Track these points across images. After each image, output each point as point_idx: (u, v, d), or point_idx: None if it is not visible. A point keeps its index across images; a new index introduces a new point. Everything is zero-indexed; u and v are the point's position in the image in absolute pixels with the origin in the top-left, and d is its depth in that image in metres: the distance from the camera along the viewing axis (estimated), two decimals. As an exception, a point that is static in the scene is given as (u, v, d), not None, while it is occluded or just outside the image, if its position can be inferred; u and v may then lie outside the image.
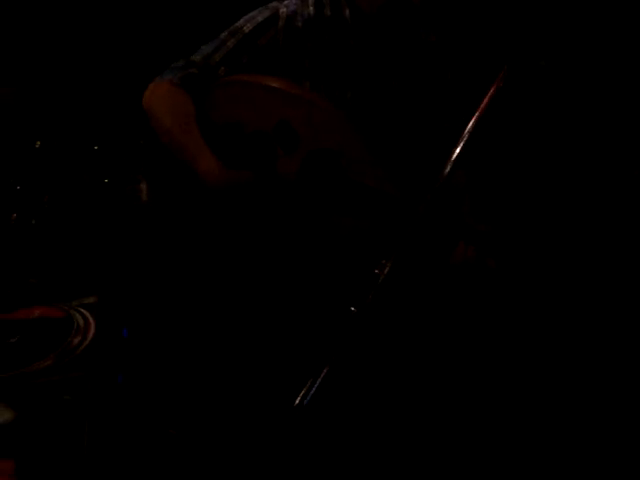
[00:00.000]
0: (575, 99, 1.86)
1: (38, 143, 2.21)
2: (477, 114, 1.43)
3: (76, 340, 1.82)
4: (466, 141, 1.41)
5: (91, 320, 1.87)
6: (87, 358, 1.79)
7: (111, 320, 1.86)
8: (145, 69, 2.00)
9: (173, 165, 1.86)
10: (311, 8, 1.86)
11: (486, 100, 1.43)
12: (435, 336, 1.76)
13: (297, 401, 1.24)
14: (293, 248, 1.78)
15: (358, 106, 1.83)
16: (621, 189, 1.83)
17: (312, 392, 1.26)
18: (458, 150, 1.40)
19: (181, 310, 1.88)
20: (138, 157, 2.19)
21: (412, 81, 1.84)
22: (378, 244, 1.51)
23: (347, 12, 1.85)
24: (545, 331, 1.80)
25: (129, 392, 1.74)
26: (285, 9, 1.86)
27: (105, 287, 1.96)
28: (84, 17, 2.39)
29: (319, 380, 1.26)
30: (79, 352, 1.79)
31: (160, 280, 1.95)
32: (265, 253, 1.79)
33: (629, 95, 1.81)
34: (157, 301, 1.92)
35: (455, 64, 1.86)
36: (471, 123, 1.42)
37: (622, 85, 1.81)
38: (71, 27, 2.36)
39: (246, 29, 1.86)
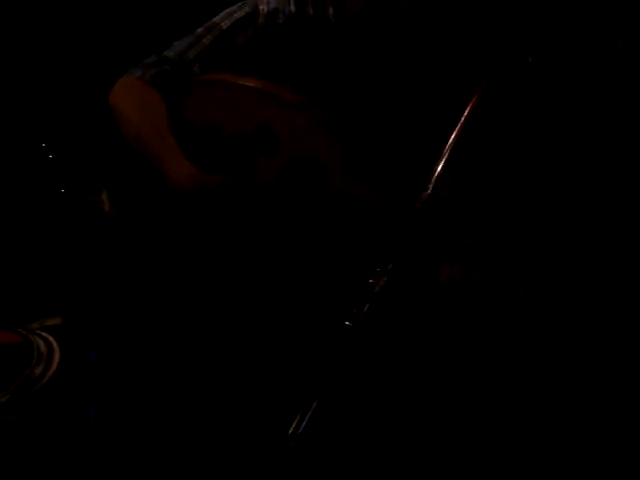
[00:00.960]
0: (564, 98, 1.79)
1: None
2: (464, 116, 1.41)
3: (38, 370, 1.64)
4: (454, 144, 1.38)
5: (55, 345, 1.66)
6: (52, 391, 1.58)
7: (80, 345, 1.67)
8: (109, 67, 1.92)
9: (138, 172, 1.72)
10: (292, 6, 1.80)
11: (473, 102, 1.41)
12: (429, 349, 1.72)
13: (291, 429, 1.18)
14: (274, 258, 1.71)
15: (341, 109, 1.77)
16: (615, 196, 1.77)
17: (306, 419, 1.20)
18: (446, 155, 1.37)
19: (157, 327, 1.71)
20: (98, 165, 2.03)
21: (397, 85, 1.79)
22: (366, 254, 1.49)
23: (331, 11, 1.79)
24: (538, 337, 1.75)
25: (103, 430, 1.55)
26: (265, 6, 1.80)
27: (70, 306, 1.77)
28: (37, 18, 2.22)
29: (313, 408, 1.20)
30: (42, 385, 1.57)
31: (132, 295, 1.78)
32: (244, 264, 1.72)
33: (619, 93, 1.74)
34: (130, 319, 1.75)
35: (440, 66, 1.81)
36: (459, 125, 1.39)
37: (613, 82, 1.74)
38: (20, 28, 2.18)
39: (224, 25, 1.80)
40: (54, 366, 1.57)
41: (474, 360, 1.71)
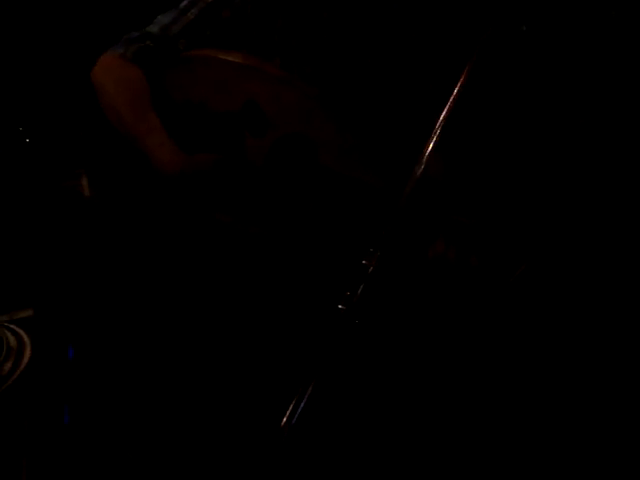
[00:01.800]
0: (558, 69, 1.70)
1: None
2: (456, 90, 1.33)
3: (7, 366, 1.50)
4: (446, 119, 1.31)
5: (26, 339, 1.55)
6: (22, 389, 1.47)
7: (53, 338, 1.55)
8: (88, 46, 1.81)
9: (120, 155, 1.62)
10: None
11: (465, 74, 1.34)
12: (426, 336, 1.66)
13: (284, 420, 1.12)
14: (264, 241, 1.62)
15: (332, 85, 1.67)
16: (609, 174, 1.68)
17: (299, 410, 1.13)
18: (437, 131, 1.31)
19: (139, 317, 1.61)
20: (78, 148, 1.93)
21: (388, 57, 1.70)
22: (359, 234, 1.43)
23: None
24: (538, 329, 1.68)
25: (77, 432, 1.44)
26: None
27: (43, 297, 1.65)
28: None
29: (306, 397, 1.13)
30: (10, 382, 1.46)
31: (110, 285, 1.68)
32: (232, 249, 1.63)
33: (615, 68, 1.65)
34: (110, 310, 1.64)
35: (431, 37, 1.73)
36: (451, 99, 1.32)
37: (607, 52, 1.65)
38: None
39: None
40: (25, 362, 1.45)
41: (473, 349, 1.64)
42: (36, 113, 2.04)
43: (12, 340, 1.50)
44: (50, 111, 2.06)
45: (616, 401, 1.65)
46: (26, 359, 1.45)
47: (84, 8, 2.11)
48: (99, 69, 1.67)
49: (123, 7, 2.03)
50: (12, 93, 2.05)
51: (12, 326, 1.54)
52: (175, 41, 1.65)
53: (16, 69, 2.08)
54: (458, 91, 1.30)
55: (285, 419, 1.12)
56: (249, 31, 1.66)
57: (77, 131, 1.98)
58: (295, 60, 1.66)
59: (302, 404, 1.13)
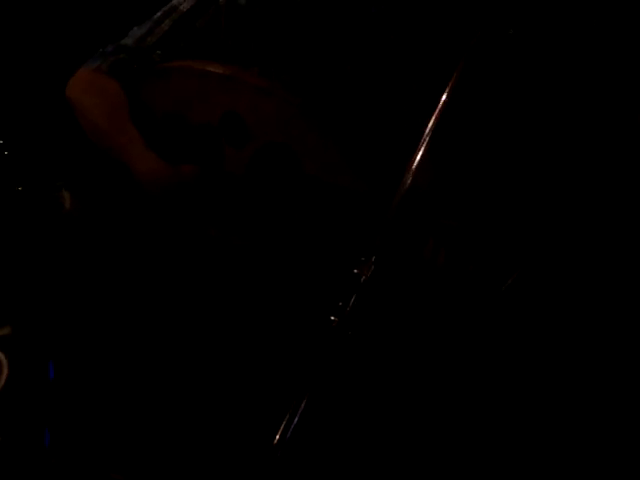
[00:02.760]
0: (546, 72, 1.68)
1: None
2: (445, 94, 1.27)
3: None
4: (435, 126, 1.25)
5: (3, 360, 1.46)
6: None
7: (33, 357, 1.46)
8: (66, 58, 1.79)
9: (101, 166, 1.57)
10: None
11: (453, 80, 1.28)
12: (420, 347, 1.61)
13: (277, 438, 1.06)
14: (252, 253, 1.56)
15: (313, 92, 1.62)
16: (598, 173, 1.66)
17: (292, 426, 1.07)
18: (426, 139, 1.25)
19: (120, 334, 1.54)
20: (58, 160, 1.86)
21: (366, 63, 1.65)
22: (348, 243, 1.39)
23: None
24: (533, 327, 1.64)
25: (58, 454, 1.36)
26: None
27: (22, 315, 1.56)
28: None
29: (299, 412, 1.07)
30: None
31: (91, 302, 1.61)
32: (218, 262, 1.57)
33: (604, 69, 1.63)
34: (89, 329, 1.57)
35: (412, 43, 1.69)
36: (439, 105, 1.27)
37: (597, 57, 1.63)
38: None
39: (183, 8, 1.65)
40: (1, 383, 1.38)
41: (468, 354, 1.60)
42: (15, 125, 1.98)
43: None
44: (29, 123, 2.02)
45: (611, 404, 1.62)
46: (3, 380, 1.37)
47: (60, 23, 2.07)
48: (75, 83, 1.63)
49: (99, 21, 1.99)
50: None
51: None
52: (150, 53, 1.61)
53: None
54: (447, 96, 1.26)
55: (278, 436, 1.07)
56: (225, 40, 1.62)
57: (57, 143, 1.93)
58: (274, 68, 1.61)
59: (295, 420, 1.09)
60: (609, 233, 1.59)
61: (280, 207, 1.54)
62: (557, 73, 1.73)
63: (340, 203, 1.51)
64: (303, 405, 1.08)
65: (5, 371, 1.39)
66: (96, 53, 1.64)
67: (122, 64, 1.60)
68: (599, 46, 1.70)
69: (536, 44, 1.71)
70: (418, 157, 1.22)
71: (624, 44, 1.66)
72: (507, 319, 1.59)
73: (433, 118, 1.23)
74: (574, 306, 1.61)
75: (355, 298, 1.11)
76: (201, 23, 1.62)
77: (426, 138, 1.23)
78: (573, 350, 1.64)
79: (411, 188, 1.20)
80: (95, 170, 1.71)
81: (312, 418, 1.07)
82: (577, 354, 1.64)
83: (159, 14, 1.64)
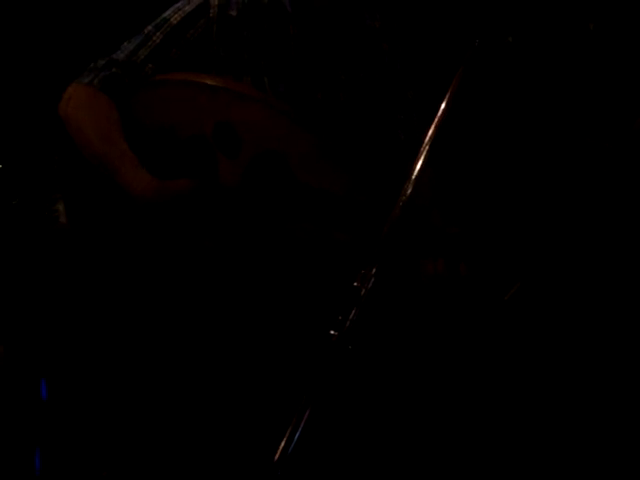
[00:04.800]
0: (546, 81, 1.64)
1: None
2: (445, 102, 1.22)
3: None
4: (435, 134, 1.20)
5: None
6: None
7: (25, 376, 1.39)
8: (61, 72, 1.70)
9: (96, 180, 1.51)
10: None
11: (452, 89, 1.23)
12: (421, 359, 1.51)
13: (277, 456, 1.01)
14: (246, 265, 1.50)
15: (306, 101, 1.57)
16: (594, 180, 1.63)
17: (294, 441, 1.02)
18: (425, 149, 1.20)
19: (115, 350, 1.48)
20: (53, 174, 1.80)
21: (360, 72, 1.60)
22: (348, 253, 1.34)
23: None
24: (533, 335, 1.57)
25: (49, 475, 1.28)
26: None
27: (16, 333, 1.49)
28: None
29: (301, 427, 1.02)
30: None
31: (87, 319, 1.54)
32: (213, 273, 1.51)
33: (602, 75, 1.59)
34: (83, 347, 1.50)
35: (406, 52, 1.63)
36: (440, 112, 1.22)
37: (595, 64, 1.59)
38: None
39: (174, 20, 1.59)
40: None
41: (468, 362, 1.55)
42: (11, 139, 1.92)
43: None
44: (25, 136, 1.95)
45: (611, 404, 1.59)
46: None
47: (53, 38, 2.01)
48: (67, 99, 1.57)
49: (91, 35, 1.94)
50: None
51: None
52: (142, 66, 1.55)
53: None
54: (447, 104, 1.20)
55: (279, 451, 1.00)
56: (216, 51, 1.57)
57: (53, 156, 1.87)
58: (265, 77, 1.56)
59: (297, 434, 1.03)
60: (610, 241, 1.56)
61: (276, 216, 1.48)
62: (555, 80, 1.70)
63: (335, 211, 1.46)
64: (305, 419, 1.03)
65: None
66: (88, 68, 1.59)
67: (114, 79, 1.55)
68: (596, 53, 1.67)
69: (535, 51, 1.68)
70: (418, 166, 1.16)
71: (622, 49, 1.63)
72: (509, 327, 1.55)
73: (434, 124, 1.18)
74: (575, 313, 1.58)
75: (355, 312, 1.06)
76: (192, 35, 1.57)
77: (426, 146, 1.16)
78: (574, 355, 1.61)
79: (411, 198, 1.14)
80: (91, 183, 1.64)
81: (313, 431, 1.03)
82: (577, 359, 1.61)
83: (150, 27, 1.58)
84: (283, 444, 0.99)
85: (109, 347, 1.54)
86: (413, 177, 1.16)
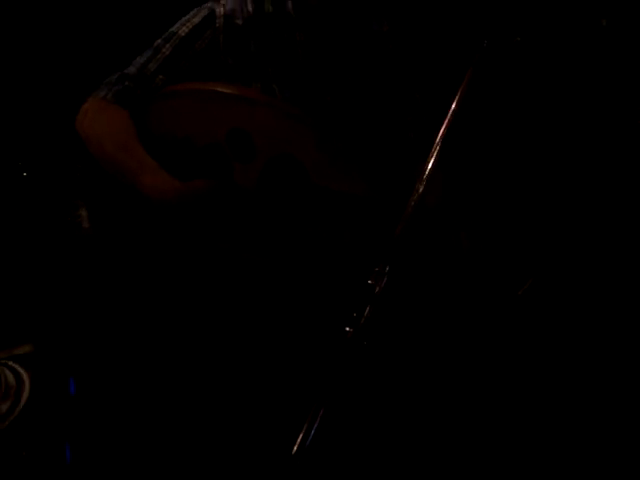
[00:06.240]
0: (555, 80, 1.62)
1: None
2: (455, 102, 1.21)
3: (5, 406, 1.33)
4: (445, 134, 1.19)
5: (25, 377, 1.39)
6: (21, 429, 1.31)
7: (53, 375, 1.39)
8: (78, 84, 1.71)
9: (117, 186, 1.51)
10: (250, 6, 1.59)
11: (461, 89, 1.22)
12: (435, 355, 1.52)
13: (295, 449, 1.01)
14: (264, 265, 1.48)
15: (315, 105, 1.55)
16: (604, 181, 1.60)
17: (310, 437, 1.02)
18: (436, 149, 1.19)
19: (140, 353, 1.48)
20: (76, 180, 1.81)
21: (368, 75, 1.58)
22: (362, 252, 1.33)
23: (290, 5, 1.58)
24: (541, 334, 1.55)
25: (79, 472, 1.29)
26: (222, 8, 1.60)
27: (43, 332, 1.50)
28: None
29: (317, 422, 1.02)
30: (9, 422, 1.30)
31: (112, 319, 1.55)
32: (233, 274, 1.50)
33: (610, 76, 1.57)
34: (110, 346, 1.50)
35: (413, 54, 1.61)
36: (450, 112, 1.21)
37: (607, 61, 1.57)
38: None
39: (182, 33, 1.59)
40: (23, 400, 1.30)
41: (482, 361, 1.53)
42: (35, 148, 1.94)
43: (10, 378, 1.32)
44: (49, 146, 1.97)
45: (611, 405, 1.56)
46: (25, 397, 1.28)
47: (71, 58, 2.04)
48: (83, 114, 1.58)
49: (105, 54, 1.93)
50: (9, 127, 1.96)
51: (10, 363, 1.37)
52: (153, 78, 1.56)
53: (13, 102, 1.99)
54: (457, 104, 1.19)
55: (296, 446, 1.00)
56: (224, 60, 1.57)
57: (75, 162, 1.88)
58: (275, 83, 1.56)
59: (313, 430, 1.03)
60: (616, 240, 1.54)
61: (292, 218, 1.47)
62: (564, 79, 1.67)
63: (350, 212, 1.45)
64: (320, 415, 1.03)
65: (27, 388, 1.32)
66: (102, 83, 1.60)
67: (127, 91, 1.56)
68: (609, 49, 1.65)
69: (543, 50, 1.66)
70: (429, 165, 1.14)
71: (627, 49, 1.61)
72: (522, 323, 1.53)
73: (444, 125, 1.16)
74: (583, 310, 1.56)
75: (369, 309, 1.06)
76: (201, 45, 1.57)
77: (437, 146, 1.15)
78: (579, 353, 1.59)
79: (423, 197, 1.13)
80: (112, 190, 1.65)
81: (329, 427, 1.02)
82: (583, 357, 1.59)
83: (159, 41, 1.59)
84: (301, 437, 0.99)
85: (132, 346, 1.55)
86: (424, 176, 1.15)
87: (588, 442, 1.55)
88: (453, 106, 1.22)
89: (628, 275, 1.55)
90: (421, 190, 1.15)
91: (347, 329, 1.04)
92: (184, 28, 1.59)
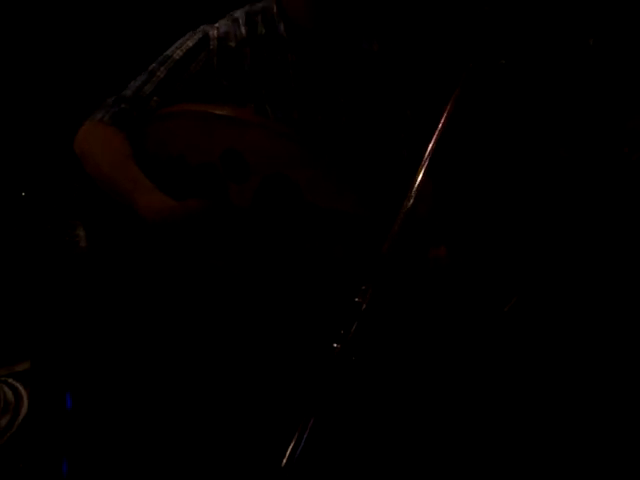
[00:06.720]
0: (539, 100, 1.65)
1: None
2: (441, 121, 1.24)
3: (4, 421, 1.36)
4: (433, 151, 1.22)
5: (23, 393, 1.42)
6: (19, 444, 1.33)
7: (50, 391, 1.42)
8: (76, 106, 1.75)
9: (113, 206, 1.54)
10: (243, 28, 1.63)
11: (449, 108, 1.25)
12: (423, 368, 1.52)
13: (284, 461, 1.02)
14: (257, 282, 1.51)
15: (307, 124, 1.58)
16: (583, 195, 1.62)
17: (298, 451, 1.03)
18: (425, 165, 1.22)
19: (135, 369, 1.50)
20: (73, 200, 1.84)
21: (360, 94, 1.60)
22: (351, 270, 1.33)
23: (282, 27, 1.61)
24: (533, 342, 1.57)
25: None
26: (215, 31, 1.62)
27: (40, 349, 1.52)
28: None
29: (305, 437, 1.04)
30: (8, 436, 1.33)
31: (108, 337, 1.57)
32: (223, 290, 1.52)
33: (594, 93, 1.60)
34: (106, 363, 1.53)
35: (403, 72, 1.64)
36: (436, 133, 1.23)
37: (587, 82, 1.60)
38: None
39: (176, 56, 1.62)
40: (22, 415, 1.32)
41: (468, 372, 1.55)
42: (34, 169, 1.96)
43: (9, 395, 1.34)
44: (47, 166, 2.00)
45: (616, 402, 1.58)
46: (23, 412, 1.31)
47: (70, 82, 2.07)
48: (81, 137, 1.60)
49: (103, 78, 1.96)
50: (7, 147, 1.99)
51: (10, 380, 1.40)
52: (148, 100, 1.58)
53: (12, 123, 2.02)
54: (444, 122, 1.20)
55: (285, 460, 1.00)
56: (218, 82, 1.59)
57: (72, 182, 1.91)
58: (268, 104, 1.58)
59: (301, 444, 1.02)
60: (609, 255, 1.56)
61: (286, 236, 1.49)
62: (550, 99, 1.70)
63: (343, 229, 1.46)
64: (309, 429, 1.01)
65: (25, 403, 1.35)
66: (100, 106, 1.62)
67: (123, 113, 1.58)
68: (596, 68, 1.67)
69: (528, 72, 1.69)
70: (417, 182, 1.17)
71: (614, 69, 1.63)
72: (508, 338, 1.55)
73: (431, 143, 1.18)
74: (573, 322, 1.57)
75: (356, 326, 1.06)
76: (195, 67, 1.59)
77: (426, 161, 1.17)
78: (572, 361, 1.60)
79: (412, 213, 1.15)
80: (109, 209, 1.68)
81: (318, 441, 1.03)
82: (576, 365, 1.60)
83: (154, 64, 1.61)
84: (289, 451, 1.00)
85: (126, 361, 1.57)
86: (413, 192, 1.17)
87: (577, 444, 1.56)
88: (439, 126, 1.23)
89: (615, 287, 1.55)
90: (409, 205, 1.17)
91: (335, 345, 1.06)
92: (178, 51, 1.61)
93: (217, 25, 1.63)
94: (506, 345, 1.54)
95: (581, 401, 1.57)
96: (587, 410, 1.56)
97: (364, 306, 1.09)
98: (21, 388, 1.38)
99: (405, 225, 1.15)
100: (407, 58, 1.64)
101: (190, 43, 1.62)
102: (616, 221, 1.60)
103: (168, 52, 1.63)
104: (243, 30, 1.62)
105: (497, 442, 1.55)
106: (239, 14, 1.64)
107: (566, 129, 1.64)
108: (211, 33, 1.61)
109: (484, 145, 1.68)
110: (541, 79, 1.64)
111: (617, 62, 1.65)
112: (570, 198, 1.62)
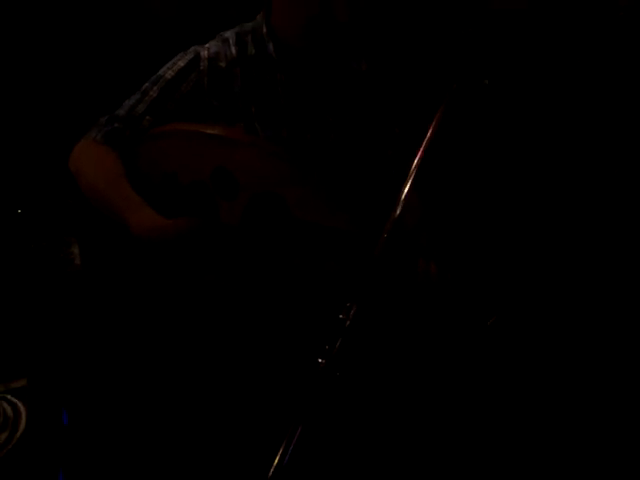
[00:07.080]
0: (521, 117, 1.69)
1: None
2: (427, 137, 1.27)
3: (3, 436, 1.39)
4: (418, 167, 1.24)
5: (22, 409, 1.46)
6: (18, 460, 1.36)
7: (47, 407, 1.46)
8: (70, 125, 1.76)
9: (107, 224, 1.57)
10: (233, 48, 1.65)
11: (433, 127, 1.27)
12: (409, 383, 1.54)
13: (270, 473, 1.04)
14: (247, 299, 1.53)
15: (296, 143, 1.61)
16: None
17: (283, 465, 1.05)
18: (410, 180, 1.23)
19: (129, 385, 1.53)
20: (68, 217, 1.86)
21: (348, 113, 1.64)
22: (337, 286, 1.35)
23: (271, 47, 1.63)
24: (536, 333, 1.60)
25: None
26: (206, 51, 1.65)
27: (37, 366, 1.56)
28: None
29: (290, 451, 1.06)
30: (5, 452, 1.37)
31: (103, 353, 1.60)
32: (215, 307, 1.55)
33: (578, 113, 1.64)
34: (102, 378, 1.56)
35: (391, 91, 1.68)
36: (420, 151, 1.26)
37: (570, 102, 1.64)
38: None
39: (168, 75, 1.64)
40: (20, 431, 1.36)
41: (453, 384, 1.58)
42: (29, 186, 1.98)
43: (8, 410, 1.38)
44: (42, 183, 2.02)
45: (616, 402, 1.59)
46: (22, 428, 1.35)
47: (65, 103, 2.08)
48: (75, 155, 1.62)
49: (96, 99, 1.98)
50: (3, 164, 2.00)
51: (8, 396, 1.43)
52: (141, 119, 1.60)
53: (7, 142, 2.04)
54: (428, 139, 1.23)
55: (272, 470, 1.02)
56: (209, 101, 1.61)
57: (67, 199, 1.91)
58: (257, 122, 1.60)
59: (286, 458, 1.03)
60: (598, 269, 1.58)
61: (274, 253, 1.51)
62: (530, 117, 1.74)
63: (332, 245, 1.49)
64: (294, 443, 1.03)
65: (24, 419, 1.38)
66: (94, 125, 1.64)
67: (116, 132, 1.60)
68: (561, 95, 1.71)
69: (509, 92, 1.72)
70: (403, 194, 1.19)
71: (597, 85, 1.65)
72: (491, 352, 1.57)
73: (416, 159, 1.21)
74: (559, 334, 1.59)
75: (341, 342, 1.08)
76: (186, 87, 1.62)
77: (411, 176, 1.20)
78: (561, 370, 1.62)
79: (398, 226, 1.17)
80: (103, 227, 1.70)
81: (303, 456, 1.03)
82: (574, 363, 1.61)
83: (147, 84, 1.64)
84: (275, 465, 1.02)
85: (121, 377, 1.60)
86: (400, 202, 1.19)
87: (588, 442, 1.58)
88: (424, 144, 1.24)
89: (612, 293, 1.56)
90: (395, 219, 1.19)
91: (320, 360, 1.08)
92: (170, 71, 1.64)
93: (208, 45, 1.65)
94: (490, 357, 1.57)
95: (573, 404, 1.60)
96: (578, 414, 1.60)
97: (348, 322, 1.11)
98: (20, 404, 1.41)
99: (392, 235, 1.17)
100: (395, 77, 1.67)
101: (181, 63, 1.64)
102: (606, 234, 1.63)
103: (160, 72, 1.65)
104: (233, 50, 1.64)
105: (482, 455, 1.56)
106: (229, 34, 1.67)
107: (548, 146, 1.68)
108: (202, 54, 1.64)
109: (468, 162, 1.71)
110: (523, 98, 1.68)
111: (598, 83, 1.68)
112: (552, 216, 1.65)
